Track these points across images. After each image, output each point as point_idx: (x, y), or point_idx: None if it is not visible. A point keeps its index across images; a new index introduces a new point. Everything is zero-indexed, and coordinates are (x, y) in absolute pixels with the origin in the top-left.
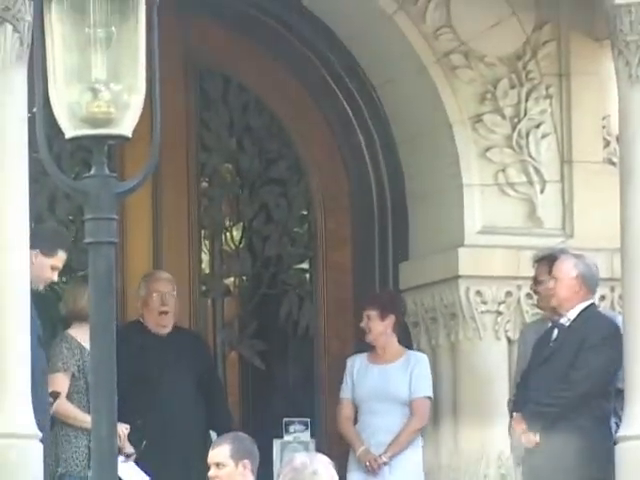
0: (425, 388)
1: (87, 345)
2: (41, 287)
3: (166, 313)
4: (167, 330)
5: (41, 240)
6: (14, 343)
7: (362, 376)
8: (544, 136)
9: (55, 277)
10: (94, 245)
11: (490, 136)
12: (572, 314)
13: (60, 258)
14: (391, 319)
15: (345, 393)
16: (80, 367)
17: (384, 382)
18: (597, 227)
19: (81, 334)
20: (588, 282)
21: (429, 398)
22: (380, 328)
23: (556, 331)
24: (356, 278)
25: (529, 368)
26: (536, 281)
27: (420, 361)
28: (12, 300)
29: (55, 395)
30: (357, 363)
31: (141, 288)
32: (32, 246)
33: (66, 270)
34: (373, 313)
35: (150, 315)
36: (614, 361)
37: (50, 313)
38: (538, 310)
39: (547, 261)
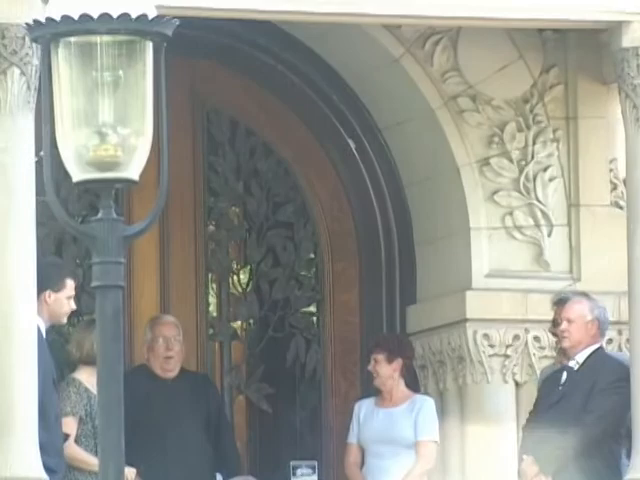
0: (430, 431)
1: (94, 389)
2: (64, 320)
3: (171, 358)
4: (173, 374)
5: (46, 279)
6: (21, 387)
7: (368, 420)
8: (551, 179)
9: (74, 305)
10: (101, 289)
11: (497, 179)
12: (580, 357)
13: (70, 286)
14: (398, 363)
15: (352, 437)
16: (87, 411)
17: (389, 425)
18: (604, 270)
19: (88, 378)
20: (602, 326)
21: (435, 441)
22: (387, 372)
23: (565, 374)
24: (363, 321)
25: (537, 411)
26: (555, 323)
27: (425, 404)
28: (20, 343)
29: (64, 438)
30: (364, 407)
31: (146, 332)
32: (40, 289)
33: (73, 314)
34: (380, 357)
35: (156, 360)
36: (625, 404)
37: (57, 357)
38: (547, 353)
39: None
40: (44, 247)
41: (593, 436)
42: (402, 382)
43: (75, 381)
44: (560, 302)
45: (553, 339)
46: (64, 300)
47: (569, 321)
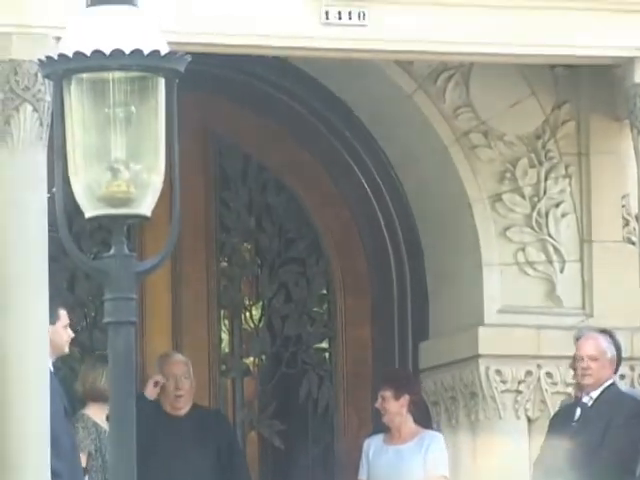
0: (440, 466)
1: (103, 424)
2: (67, 349)
3: (181, 396)
4: (183, 412)
5: None
6: (33, 419)
7: (377, 457)
8: (563, 215)
9: (72, 332)
10: (113, 325)
11: (510, 215)
12: (594, 393)
13: (64, 315)
14: (405, 399)
15: (362, 474)
16: (97, 446)
17: (398, 462)
18: (616, 306)
19: (96, 413)
20: (619, 362)
21: (444, 477)
22: (395, 409)
23: (579, 410)
24: (376, 357)
25: (549, 447)
26: (577, 358)
27: (434, 440)
28: (33, 377)
29: None
30: (373, 444)
31: (156, 371)
32: None
33: (85, 349)
34: (387, 394)
35: (166, 398)
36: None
37: (70, 393)
38: (559, 389)
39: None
40: (56, 283)
41: (608, 472)
42: (410, 418)
43: (84, 416)
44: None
45: (571, 373)
46: (61, 330)
47: (592, 359)
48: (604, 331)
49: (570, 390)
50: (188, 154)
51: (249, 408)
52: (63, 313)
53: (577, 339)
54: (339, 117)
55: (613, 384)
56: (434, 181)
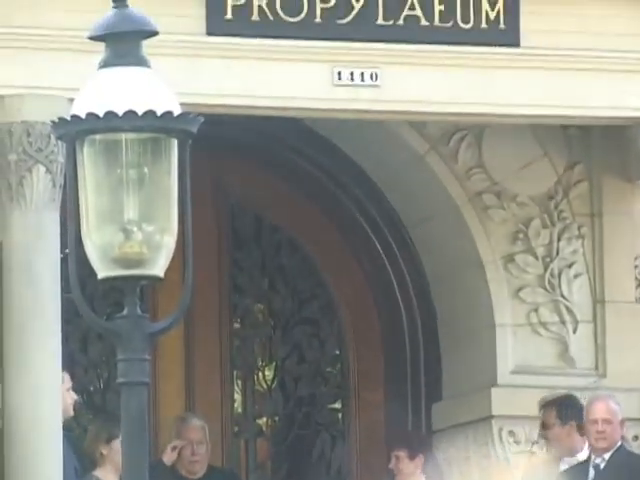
0: None
1: None
2: (72, 412)
3: (197, 462)
4: (199, 476)
5: None
6: (46, 476)
7: None
8: (576, 276)
9: (75, 395)
10: (126, 386)
11: (522, 276)
12: (607, 455)
13: (67, 379)
14: (420, 459)
15: None
16: None
17: None
18: (630, 366)
19: (108, 475)
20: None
21: None
22: (409, 469)
23: (592, 472)
24: (389, 417)
25: None
26: (544, 426)
27: None
28: (46, 435)
29: None
30: None
31: (173, 434)
32: None
33: (98, 410)
34: (402, 454)
35: (182, 462)
36: None
37: (78, 453)
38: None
39: (555, 405)
40: (70, 344)
41: None
42: (424, 478)
43: (93, 477)
44: (548, 405)
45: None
46: (65, 393)
47: (606, 422)
48: (608, 394)
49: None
50: (201, 215)
51: (262, 470)
52: (66, 377)
53: (542, 406)
54: (352, 178)
55: (622, 445)
56: (447, 242)
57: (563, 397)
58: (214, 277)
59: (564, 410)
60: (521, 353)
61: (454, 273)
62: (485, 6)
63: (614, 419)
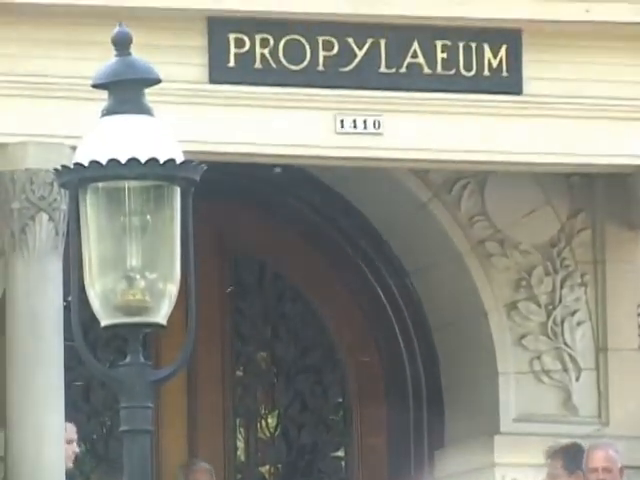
0: None
1: None
2: (70, 464)
3: None
4: None
5: None
6: None
7: None
8: (579, 323)
9: (76, 448)
10: (129, 433)
11: (525, 323)
12: None
13: (70, 429)
14: None
15: None
16: None
17: None
18: (633, 414)
19: None
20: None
21: None
22: None
23: None
24: (392, 465)
25: None
26: (551, 476)
27: None
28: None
29: None
30: None
31: (179, 479)
32: None
33: (101, 459)
34: None
35: None
36: None
37: None
38: None
39: (561, 455)
40: (72, 391)
41: None
42: None
43: None
44: (555, 454)
45: None
46: (65, 445)
47: (607, 470)
48: (608, 442)
49: None
50: (203, 262)
51: None
52: (69, 427)
53: (548, 457)
54: (354, 225)
55: None
56: (450, 289)
57: (569, 446)
58: (217, 325)
59: (570, 460)
60: (524, 401)
61: (457, 320)
62: (488, 54)
63: (614, 467)
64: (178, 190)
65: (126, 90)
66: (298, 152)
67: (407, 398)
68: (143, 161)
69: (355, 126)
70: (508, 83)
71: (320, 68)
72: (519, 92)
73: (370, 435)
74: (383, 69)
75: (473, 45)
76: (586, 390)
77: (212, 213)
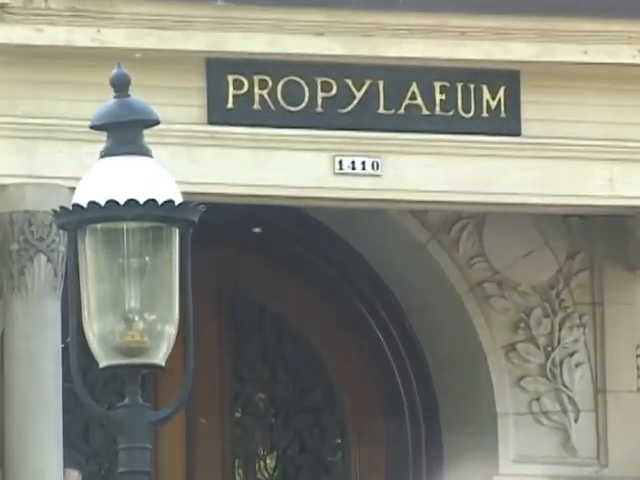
0: None
1: None
2: None
3: None
4: None
5: None
6: None
7: None
8: (578, 365)
9: None
10: (128, 475)
11: (524, 365)
12: None
13: (73, 476)
14: None
15: None
16: None
17: None
18: (632, 456)
19: None
20: None
21: None
22: None
23: None
24: None
25: None
26: None
27: None
28: None
29: None
30: None
31: None
32: None
33: None
34: None
35: None
36: None
37: None
38: None
39: None
40: (71, 432)
41: None
42: None
43: None
44: None
45: None
46: None
47: None
48: None
49: None
50: (202, 303)
51: None
52: (71, 473)
53: None
54: (353, 266)
55: None
56: (448, 331)
57: None
58: (215, 366)
59: None
60: (523, 442)
61: (456, 362)
62: (486, 95)
63: None
64: (177, 231)
65: (125, 131)
66: (297, 193)
67: (406, 439)
68: (142, 202)
69: (353, 167)
70: (506, 124)
71: (319, 109)
72: (517, 133)
73: (369, 477)
74: (381, 110)
75: (471, 86)
76: (585, 431)
77: (211, 255)
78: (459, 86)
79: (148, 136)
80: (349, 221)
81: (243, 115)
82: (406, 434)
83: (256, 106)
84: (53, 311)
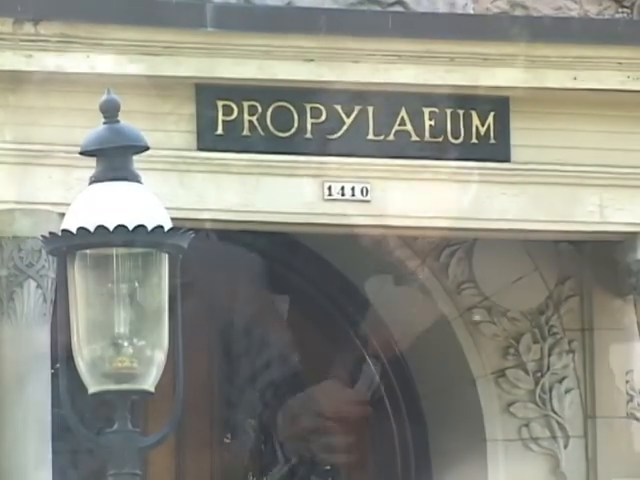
0: None
1: None
2: None
3: None
4: None
5: None
6: None
7: None
8: (567, 391)
9: None
10: None
11: (513, 391)
12: None
13: None
14: None
15: None
16: None
17: None
18: None
19: None
20: None
21: None
22: None
23: None
24: None
25: None
26: None
27: None
28: None
29: None
30: None
31: None
32: None
33: None
34: None
35: None
36: None
37: None
38: None
39: None
40: (60, 458)
41: None
42: None
43: None
44: None
45: None
46: None
47: None
48: None
49: None
50: (191, 329)
51: None
52: None
53: None
54: (342, 291)
55: None
56: (437, 357)
57: None
58: (205, 391)
59: None
60: (512, 468)
61: (445, 387)
62: (475, 121)
63: None
64: (166, 257)
65: (114, 157)
66: (285, 219)
67: (395, 466)
68: (131, 228)
69: (343, 193)
70: (496, 150)
71: (308, 135)
72: (507, 159)
73: None
74: (371, 136)
75: (461, 112)
76: (575, 457)
77: (200, 280)
78: (448, 112)
79: (138, 162)
80: (339, 248)
81: (233, 141)
82: (395, 459)
83: (245, 132)
84: (43, 337)
